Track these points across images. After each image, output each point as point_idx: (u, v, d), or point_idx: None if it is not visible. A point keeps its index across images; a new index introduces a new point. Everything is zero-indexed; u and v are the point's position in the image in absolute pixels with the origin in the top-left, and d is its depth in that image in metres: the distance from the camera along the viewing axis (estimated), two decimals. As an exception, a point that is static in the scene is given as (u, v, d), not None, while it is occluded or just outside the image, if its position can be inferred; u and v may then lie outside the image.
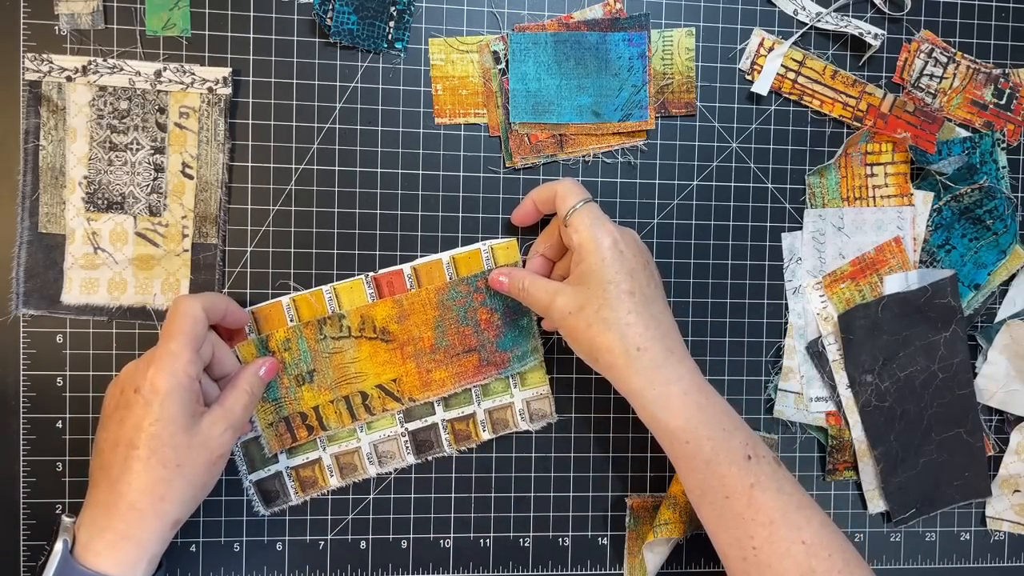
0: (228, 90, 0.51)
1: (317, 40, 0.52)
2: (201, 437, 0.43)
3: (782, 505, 0.43)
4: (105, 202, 0.50)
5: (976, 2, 0.57)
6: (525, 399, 0.54)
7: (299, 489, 0.53)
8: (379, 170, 0.53)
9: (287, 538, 0.53)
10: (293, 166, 0.52)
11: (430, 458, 0.54)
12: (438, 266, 0.52)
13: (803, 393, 0.56)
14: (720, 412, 0.44)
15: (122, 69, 0.50)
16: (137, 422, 0.42)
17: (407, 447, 0.53)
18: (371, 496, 0.54)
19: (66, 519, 0.43)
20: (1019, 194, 0.57)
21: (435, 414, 0.53)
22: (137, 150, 0.51)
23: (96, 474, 0.43)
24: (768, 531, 0.43)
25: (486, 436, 0.54)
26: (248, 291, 0.52)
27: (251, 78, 0.52)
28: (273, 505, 0.53)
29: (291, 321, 0.51)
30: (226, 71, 0.50)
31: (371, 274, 0.52)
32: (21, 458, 0.51)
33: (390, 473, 0.54)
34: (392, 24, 0.52)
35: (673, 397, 0.44)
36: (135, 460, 0.41)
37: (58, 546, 0.41)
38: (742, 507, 0.43)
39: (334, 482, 0.53)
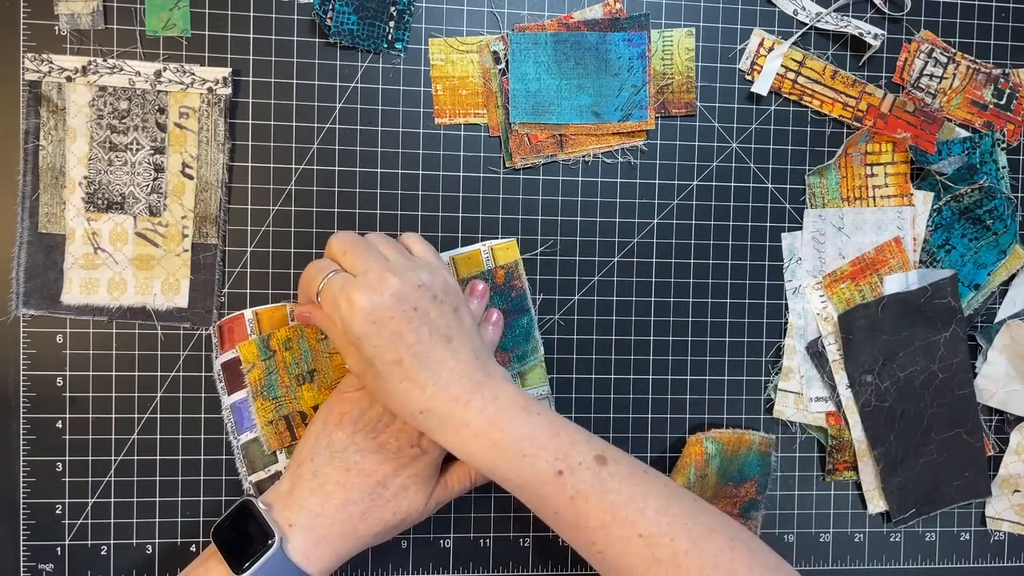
0: (228, 90, 0.51)
1: (317, 40, 0.52)
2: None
3: (609, 506, 0.42)
4: (105, 202, 0.50)
5: (976, 2, 0.57)
6: (525, 399, 0.54)
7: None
8: (379, 170, 0.53)
9: (287, 538, 0.53)
10: (293, 166, 0.52)
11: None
12: (438, 266, 0.52)
13: (803, 393, 0.56)
14: (520, 437, 0.42)
15: (122, 69, 0.50)
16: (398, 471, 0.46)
17: (407, 447, 0.53)
18: (371, 496, 0.54)
19: (262, 505, 0.45)
20: (1019, 194, 0.57)
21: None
22: (137, 150, 0.51)
23: (333, 488, 0.45)
24: (604, 534, 0.42)
25: (486, 436, 0.54)
26: (248, 291, 0.52)
27: (251, 78, 0.52)
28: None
29: (292, 321, 0.51)
30: (226, 71, 0.50)
31: (371, 274, 0.52)
32: (21, 458, 0.51)
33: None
34: (392, 24, 0.52)
35: (467, 442, 0.43)
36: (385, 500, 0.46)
37: (275, 545, 0.43)
38: (573, 518, 0.42)
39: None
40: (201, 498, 0.52)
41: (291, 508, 0.45)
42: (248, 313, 0.51)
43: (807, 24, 0.55)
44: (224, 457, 0.52)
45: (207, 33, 0.51)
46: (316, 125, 0.52)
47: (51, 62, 0.49)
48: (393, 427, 0.46)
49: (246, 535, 0.44)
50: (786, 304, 0.56)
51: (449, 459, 0.51)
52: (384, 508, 0.46)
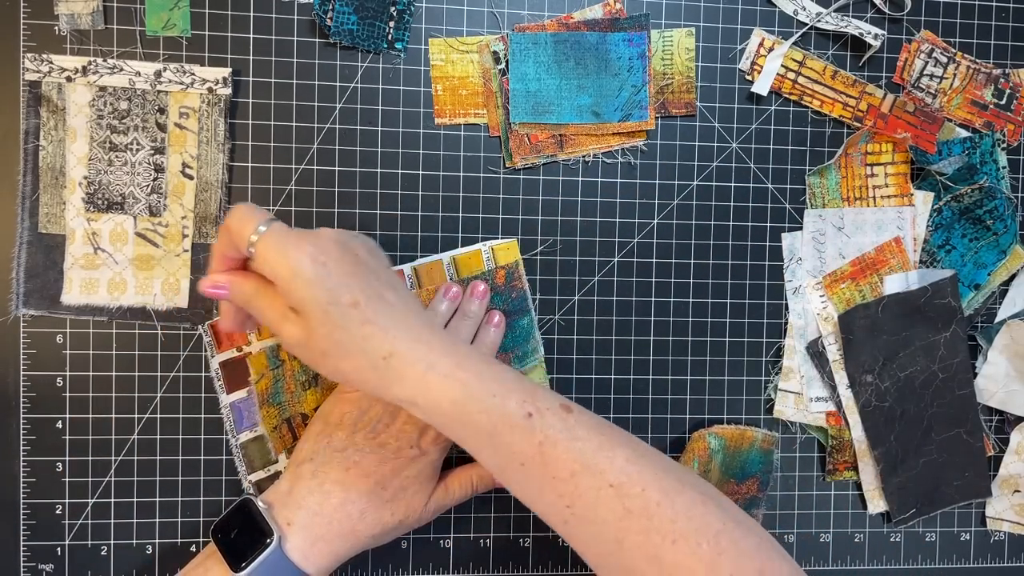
0: (228, 90, 0.51)
1: (317, 40, 0.52)
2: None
3: (578, 454, 0.40)
4: (105, 202, 0.50)
5: (976, 2, 0.57)
6: (525, 399, 0.54)
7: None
8: (379, 170, 0.53)
9: (287, 538, 0.53)
10: (293, 166, 0.52)
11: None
12: (438, 267, 0.52)
13: (803, 393, 0.56)
14: (488, 379, 0.41)
15: (122, 69, 0.50)
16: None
17: (407, 447, 0.53)
18: (371, 496, 0.54)
19: (261, 504, 0.45)
20: (1019, 194, 0.57)
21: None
22: (137, 150, 0.51)
23: (333, 487, 0.46)
24: (573, 485, 0.39)
25: (486, 436, 0.54)
26: (248, 291, 0.52)
27: (251, 78, 0.52)
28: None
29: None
30: (226, 71, 0.50)
31: (371, 274, 0.52)
32: (21, 458, 0.51)
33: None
34: (392, 24, 0.52)
35: (433, 386, 0.40)
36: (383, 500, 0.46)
37: (273, 543, 0.43)
38: (541, 468, 0.40)
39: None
40: (201, 498, 0.52)
41: (290, 507, 0.45)
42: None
43: (807, 24, 0.55)
44: (224, 457, 0.52)
45: (207, 33, 0.51)
46: (316, 125, 0.52)
47: (51, 62, 0.49)
48: (393, 428, 0.46)
49: (245, 534, 0.44)
50: (786, 304, 0.56)
51: (449, 464, 0.51)
52: (382, 509, 0.46)
